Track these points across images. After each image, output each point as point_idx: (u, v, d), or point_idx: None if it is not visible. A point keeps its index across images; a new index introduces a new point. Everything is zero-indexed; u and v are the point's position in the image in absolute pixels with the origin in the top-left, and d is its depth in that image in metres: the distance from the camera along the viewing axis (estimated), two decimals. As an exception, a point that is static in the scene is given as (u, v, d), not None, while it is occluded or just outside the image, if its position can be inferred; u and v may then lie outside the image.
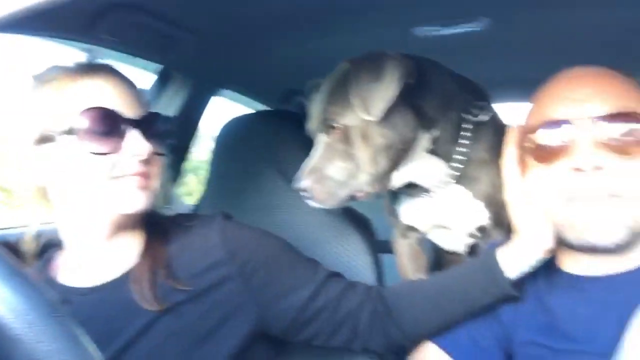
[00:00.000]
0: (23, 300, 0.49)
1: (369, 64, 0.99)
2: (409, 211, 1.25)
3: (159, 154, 0.90)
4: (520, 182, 0.87)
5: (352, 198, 1.06)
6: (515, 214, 0.87)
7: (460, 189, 1.17)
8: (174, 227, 0.97)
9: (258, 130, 1.30)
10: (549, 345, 0.86)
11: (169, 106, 1.54)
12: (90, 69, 0.89)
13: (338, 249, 1.24)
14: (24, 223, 0.98)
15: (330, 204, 1.05)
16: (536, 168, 0.87)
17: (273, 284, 0.95)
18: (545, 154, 0.83)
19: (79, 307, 0.86)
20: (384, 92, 0.96)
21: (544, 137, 0.83)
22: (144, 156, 0.84)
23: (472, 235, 1.24)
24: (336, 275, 1.03)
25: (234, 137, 1.31)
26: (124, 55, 1.27)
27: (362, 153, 1.02)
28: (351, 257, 1.23)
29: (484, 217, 1.19)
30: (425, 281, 1.03)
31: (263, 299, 0.95)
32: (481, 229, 1.21)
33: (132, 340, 0.85)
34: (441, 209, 1.20)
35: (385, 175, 1.06)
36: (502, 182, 1.13)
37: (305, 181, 1.03)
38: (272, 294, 0.95)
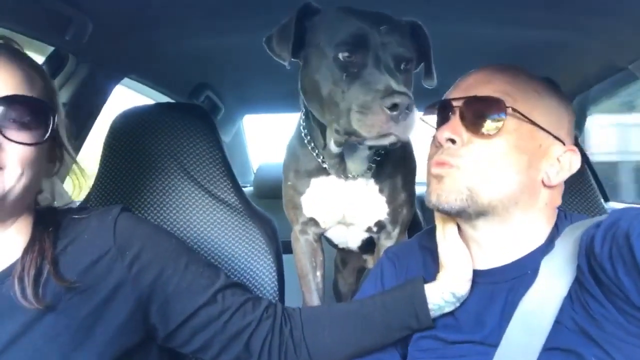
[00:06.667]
0: None
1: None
2: (312, 202, 1.25)
3: (18, 143, 0.80)
4: (448, 223, 0.94)
5: None
6: (442, 250, 0.93)
7: (371, 182, 1.22)
8: (67, 221, 0.91)
9: (157, 123, 1.22)
10: (440, 337, 0.90)
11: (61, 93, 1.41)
12: None
13: (239, 250, 1.20)
14: None
15: None
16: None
17: (163, 285, 0.90)
18: (434, 135, 0.93)
19: None
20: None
21: (435, 118, 0.94)
22: None
23: (368, 230, 1.28)
24: (238, 286, 0.98)
25: (130, 129, 1.22)
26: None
27: None
28: (253, 258, 1.20)
29: (382, 212, 1.25)
30: (345, 307, 1.00)
31: (151, 299, 0.89)
32: (378, 224, 1.27)
33: (9, 342, 0.79)
34: (346, 200, 1.22)
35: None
36: (401, 182, 1.25)
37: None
38: (161, 295, 0.90)
